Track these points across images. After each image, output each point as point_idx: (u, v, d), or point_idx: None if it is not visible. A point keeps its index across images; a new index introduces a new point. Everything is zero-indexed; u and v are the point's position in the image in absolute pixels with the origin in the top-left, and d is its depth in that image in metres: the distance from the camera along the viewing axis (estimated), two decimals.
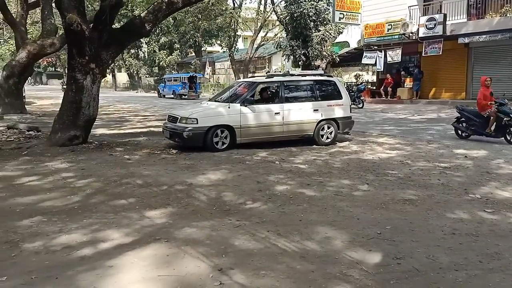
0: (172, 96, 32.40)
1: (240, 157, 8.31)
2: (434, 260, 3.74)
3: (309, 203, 5.38)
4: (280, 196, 5.71)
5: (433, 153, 8.70)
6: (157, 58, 42.16)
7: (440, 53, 19.05)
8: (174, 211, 5.08)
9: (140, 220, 4.76)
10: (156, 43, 41.67)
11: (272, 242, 4.14)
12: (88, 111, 9.32)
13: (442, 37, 18.76)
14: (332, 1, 22.70)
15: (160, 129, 10.42)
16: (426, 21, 19.13)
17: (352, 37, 29.22)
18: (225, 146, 8.95)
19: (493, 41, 17.43)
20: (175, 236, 4.27)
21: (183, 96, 31.13)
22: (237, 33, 38.17)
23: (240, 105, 9.08)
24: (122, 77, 54.84)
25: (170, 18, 33.62)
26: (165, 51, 41.58)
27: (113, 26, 10.23)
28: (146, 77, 49.71)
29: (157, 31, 40.01)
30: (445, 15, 18.80)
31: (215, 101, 10.03)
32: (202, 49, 45.25)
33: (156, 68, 46.19)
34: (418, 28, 19.53)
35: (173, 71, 43.25)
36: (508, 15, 16.89)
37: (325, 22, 23.59)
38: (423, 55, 20.00)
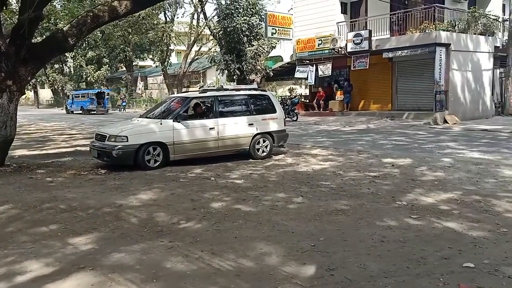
0: (81, 112, 33.92)
1: (173, 175, 8.10)
2: (365, 268, 3.81)
3: (245, 219, 5.32)
4: (215, 213, 5.60)
5: (363, 163, 9.03)
6: (84, 73, 40.48)
7: (367, 67, 19.99)
8: (101, 236, 4.79)
9: (63, 248, 4.43)
10: (82, 57, 40.04)
11: (206, 262, 4.02)
12: (4, 131, 8.65)
13: (368, 52, 19.73)
14: (264, 17, 23.18)
15: (87, 148, 9.94)
16: (353, 37, 20.05)
17: (285, 51, 30.02)
18: (157, 163, 8.70)
19: (414, 56, 18.59)
20: (101, 263, 4.01)
21: (92, 112, 32.93)
22: (170, 48, 37.76)
23: (173, 121, 8.90)
24: (46, 94, 52.19)
25: (98, 32, 32.55)
26: (93, 66, 40.03)
27: (35, 41, 9.66)
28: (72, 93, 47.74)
29: (84, 45, 38.53)
30: (370, 31, 19.82)
31: (147, 117, 9.75)
32: (134, 63, 44.22)
33: (84, 83, 44.44)
34: (346, 43, 20.40)
35: (102, 86, 41.83)
36: (427, 31, 18.14)
37: (258, 37, 24.01)
38: (352, 69, 20.89)
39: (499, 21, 20.76)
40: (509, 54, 20.00)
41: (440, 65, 17.69)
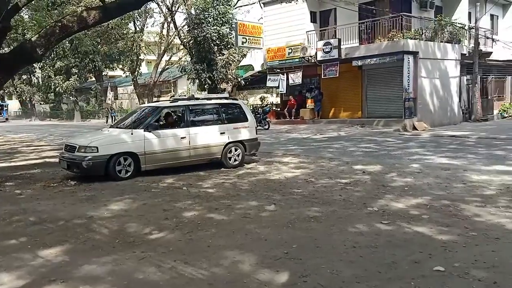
0: None
1: (145, 185, 8.00)
2: (337, 274, 3.85)
3: (218, 228, 5.29)
4: (188, 222, 5.55)
5: (335, 170, 9.14)
6: (53, 83, 39.52)
7: (337, 75, 20.31)
8: (72, 248, 4.69)
9: (33, 260, 4.33)
10: (51, 68, 39.09)
11: (179, 272, 3.98)
12: None
13: (338, 60, 20.05)
14: (234, 26, 23.28)
15: (57, 160, 9.68)
16: (323, 45, 20.36)
17: (256, 60, 30.16)
18: (129, 174, 8.57)
19: (383, 63, 19.00)
20: (72, 276, 3.93)
21: None
22: (140, 57, 37.33)
23: (144, 131, 8.79)
24: (13, 105, 50.76)
25: (67, 42, 31.93)
26: (61, 76, 39.12)
27: (2, 51, 9.41)
28: (40, 104, 46.58)
29: (52, 55, 37.67)
30: (339, 40, 20.17)
31: (117, 127, 9.61)
32: (103, 73, 43.48)
33: (52, 94, 43.40)
34: (316, 52, 20.69)
35: (70, 97, 40.95)
36: (394, 39, 18.61)
37: (229, 46, 24.08)
38: (322, 77, 21.18)
39: (465, 29, 21.44)
40: (475, 62, 20.68)
41: (408, 73, 18.16)
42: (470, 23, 22.15)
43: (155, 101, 14.16)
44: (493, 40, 23.16)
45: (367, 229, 5.06)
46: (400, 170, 8.87)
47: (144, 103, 29.72)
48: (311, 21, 22.40)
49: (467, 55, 21.15)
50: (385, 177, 8.18)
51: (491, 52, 22.88)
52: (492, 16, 24.70)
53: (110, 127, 9.97)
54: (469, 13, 22.23)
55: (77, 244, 4.81)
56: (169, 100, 10.58)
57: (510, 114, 23.40)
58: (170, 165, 9.14)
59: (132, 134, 8.68)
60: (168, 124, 9.57)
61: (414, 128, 17.90)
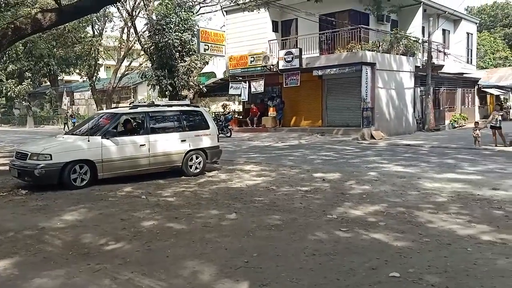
0: None
1: (102, 194, 7.76)
2: (297, 282, 3.86)
3: (177, 237, 5.20)
4: (146, 232, 5.42)
5: (295, 178, 9.22)
6: (4, 88, 37.78)
7: (299, 84, 20.61)
8: (21, 260, 4.48)
9: None
10: (2, 71, 37.41)
11: (136, 284, 3.87)
12: None
13: (299, 69, 20.37)
14: (196, 33, 23.17)
15: (7, 168, 9.24)
16: (285, 55, 20.62)
17: (218, 67, 30.13)
18: (85, 182, 8.29)
19: (342, 74, 19.47)
20: None
21: None
22: (98, 62, 36.37)
23: (101, 138, 8.55)
24: None
25: (20, 44, 30.68)
26: (14, 80, 37.48)
27: None
28: None
29: (4, 58, 36.07)
30: (300, 50, 20.51)
31: (73, 134, 9.30)
32: (59, 78, 42.03)
33: (4, 99, 41.50)
34: (278, 61, 20.93)
35: (23, 101, 39.29)
36: (353, 50, 19.12)
37: (190, 53, 23.89)
38: (284, 86, 21.42)
39: (419, 43, 22.37)
40: (428, 74, 21.58)
41: (366, 83, 18.67)
42: (423, 37, 23.14)
43: (113, 107, 13.81)
44: (445, 53, 24.29)
45: (327, 237, 5.12)
46: (358, 177, 9.07)
47: (103, 109, 28.97)
48: (273, 30, 22.66)
49: (421, 67, 22.05)
50: (344, 185, 8.33)
51: (443, 65, 23.99)
52: (444, 30, 25.94)
53: (65, 134, 9.63)
54: (423, 28, 23.23)
55: (27, 257, 4.59)
56: (129, 107, 10.36)
57: (460, 124, 24.54)
58: (129, 173, 8.92)
59: (88, 141, 8.42)
60: (127, 131, 9.36)
61: (372, 137, 18.40)
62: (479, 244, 4.76)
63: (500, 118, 14.90)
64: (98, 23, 35.36)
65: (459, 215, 5.96)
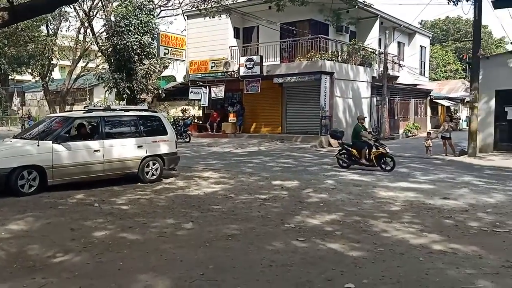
0: None
1: (51, 201, 7.40)
2: None
3: (130, 248, 5.01)
4: (98, 243, 5.20)
5: (254, 185, 9.19)
6: None
7: (259, 91, 20.69)
8: None
9: None
10: None
11: None
12: None
13: (260, 76, 20.45)
14: (157, 36, 22.79)
15: None
16: (246, 61, 20.66)
17: (178, 72, 29.76)
18: (33, 189, 7.88)
19: (302, 82, 19.72)
20: None
21: None
22: (52, 62, 34.99)
23: (53, 143, 8.17)
24: None
25: None
26: None
27: None
28: None
29: None
30: (261, 57, 20.61)
31: (22, 138, 8.83)
32: (10, 77, 40.10)
33: None
34: (239, 67, 20.94)
35: None
36: (313, 59, 19.43)
37: (150, 56, 23.42)
38: (244, 92, 21.44)
39: (376, 54, 23.11)
40: (384, 84, 22.27)
41: (325, 92, 18.99)
42: (380, 48, 23.89)
43: (68, 111, 13.31)
44: (399, 65, 25.21)
45: (284, 247, 5.10)
46: (316, 186, 9.15)
47: (56, 111, 27.89)
48: (234, 37, 22.65)
49: (377, 77, 22.77)
50: (302, 193, 8.38)
51: (398, 76, 24.88)
52: (399, 43, 26.90)
53: (13, 138, 9.14)
54: (380, 40, 23.99)
55: None
56: (83, 110, 9.99)
57: (413, 134, 25.47)
58: (82, 180, 8.58)
59: (38, 145, 8.02)
60: (80, 135, 9.02)
61: (330, 144, 18.68)
62: (431, 254, 4.89)
63: (450, 129, 15.57)
64: (53, 22, 34.06)
65: (412, 224, 6.11)
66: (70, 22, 55.05)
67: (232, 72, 21.30)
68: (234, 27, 22.57)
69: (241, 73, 20.77)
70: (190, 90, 22.88)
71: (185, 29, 24.62)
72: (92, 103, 31.33)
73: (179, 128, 20.41)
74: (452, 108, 33.79)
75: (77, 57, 33.94)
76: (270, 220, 6.34)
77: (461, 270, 4.39)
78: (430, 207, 7.21)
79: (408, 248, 5.08)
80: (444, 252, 4.94)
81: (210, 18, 19.91)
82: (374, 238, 5.48)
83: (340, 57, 20.81)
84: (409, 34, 27.95)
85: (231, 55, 22.04)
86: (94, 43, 29.01)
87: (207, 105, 23.25)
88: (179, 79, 29.02)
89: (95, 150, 8.68)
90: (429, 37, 32.74)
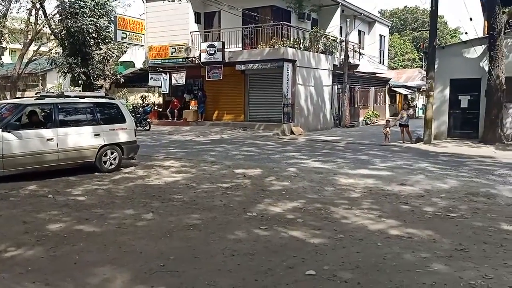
0: None
1: (2, 193, 7.05)
2: (215, 285, 3.77)
3: (87, 241, 4.85)
4: (52, 236, 4.99)
5: (216, 174, 9.11)
6: None
7: (221, 78, 20.46)
8: None
9: None
10: None
11: None
12: None
13: (221, 63, 20.21)
14: (114, 20, 22.04)
15: None
16: (207, 47, 20.33)
17: (137, 57, 28.99)
18: None
19: (264, 69, 19.65)
20: None
21: None
22: (1, 45, 33.16)
23: (2, 131, 7.76)
24: None
25: None
26: None
27: None
28: None
29: None
30: (223, 43, 20.34)
31: None
32: None
33: None
34: (200, 53, 20.59)
35: None
36: (276, 46, 19.38)
37: (107, 40, 22.67)
38: (206, 79, 21.16)
39: (337, 42, 23.34)
40: (345, 72, 22.60)
41: (287, 80, 19.03)
42: (341, 36, 24.15)
43: (18, 97, 12.68)
44: (360, 53, 25.62)
45: (246, 236, 5.09)
46: (279, 174, 9.19)
47: (6, 98, 26.57)
48: (195, 22, 22.20)
49: (338, 66, 23.03)
50: (265, 181, 8.39)
51: (358, 65, 25.28)
52: (359, 32, 27.32)
53: None
54: (341, 28, 24.21)
55: None
56: (35, 97, 9.52)
57: (372, 121, 26.09)
58: (35, 170, 8.22)
59: None
60: (32, 123, 8.61)
61: (292, 132, 18.84)
62: (388, 239, 5.01)
63: (407, 116, 16.04)
64: (3, 3, 32.20)
65: (370, 210, 6.25)
66: (20, 3, 52.15)
67: (193, 58, 20.95)
68: (195, 11, 22.12)
69: (203, 59, 20.45)
70: (150, 76, 22.34)
71: (143, 13, 23.91)
72: (45, 90, 30.07)
73: (139, 115, 19.97)
74: (409, 96, 34.83)
75: (28, 40, 32.24)
76: (232, 209, 6.31)
77: (417, 254, 4.52)
78: (388, 193, 7.39)
79: (366, 234, 5.18)
80: (400, 237, 5.08)
81: (169, 1, 19.41)
82: (335, 225, 5.56)
83: (302, 45, 20.87)
84: (369, 23, 28.43)
85: (192, 40, 21.64)
86: (47, 25, 27.73)
87: (167, 92, 22.80)
88: (138, 65, 28.29)
89: (48, 139, 8.32)
90: (388, 26, 33.44)
